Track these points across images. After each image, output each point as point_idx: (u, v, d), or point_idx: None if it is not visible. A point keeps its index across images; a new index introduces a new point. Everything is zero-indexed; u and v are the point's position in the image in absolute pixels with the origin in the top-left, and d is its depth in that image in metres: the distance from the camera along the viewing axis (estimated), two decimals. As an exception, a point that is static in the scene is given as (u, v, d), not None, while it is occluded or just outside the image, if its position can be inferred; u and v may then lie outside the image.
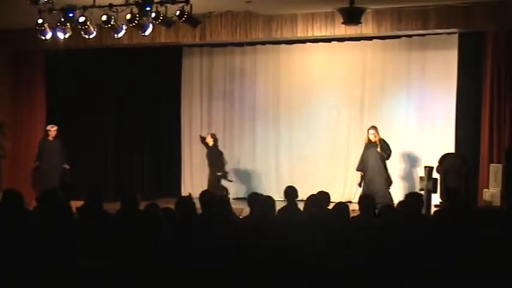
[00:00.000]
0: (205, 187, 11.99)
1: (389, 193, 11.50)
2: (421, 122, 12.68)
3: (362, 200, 7.44)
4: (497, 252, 4.64)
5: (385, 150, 11.57)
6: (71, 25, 9.94)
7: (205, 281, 4.52)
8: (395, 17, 10.99)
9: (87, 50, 12.82)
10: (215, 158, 12.59)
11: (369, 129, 11.70)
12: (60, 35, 10.14)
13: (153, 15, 9.48)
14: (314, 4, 10.78)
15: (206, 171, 12.80)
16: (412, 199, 7.26)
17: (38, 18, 9.95)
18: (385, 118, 12.56)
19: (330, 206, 7.43)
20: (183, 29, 11.36)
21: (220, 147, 12.82)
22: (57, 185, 11.72)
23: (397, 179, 12.40)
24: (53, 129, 12.50)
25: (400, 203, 7.93)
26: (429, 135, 12.48)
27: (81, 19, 9.72)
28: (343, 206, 6.82)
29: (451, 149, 11.88)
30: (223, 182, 12.64)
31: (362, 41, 12.86)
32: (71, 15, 9.80)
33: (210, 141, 12.64)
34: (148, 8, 9.46)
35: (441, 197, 10.93)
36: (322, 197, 7.58)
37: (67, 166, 12.52)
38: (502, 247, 4.75)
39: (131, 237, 5.16)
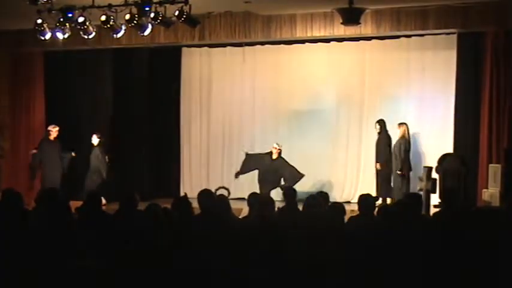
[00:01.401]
0: (203, 187, 11.90)
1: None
2: (420, 122, 12.67)
3: (362, 200, 7.44)
4: (496, 253, 4.65)
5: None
6: (70, 25, 9.94)
7: (205, 281, 4.53)
8: (394, 17, 10.98)
9: (86, 50, 12.83)
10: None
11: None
12: (59, 35, 10.15)
13: (152, 15, 9.49)
14: (313, 4, 10.78)
15: (205, 171, 12.64)
16: (411, 200, 7.26)
17: (37, 19, 9.96)
18: (384, 118, 12.54)
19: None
20: (182, 29, 11.37)
21: (220, 147, 12.74)
22: (58, 186, 11.71)
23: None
24: (54, 130, 12.44)
25: (399, 203, 7.92)
26: (428, 136, 12.48)
27: (80, 19, 9.73)
28: (337, 206, 6.83)
29: (450, 149, 11.87)
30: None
31: (361, 41, 12.86)
32: (70, 15, 9.80)
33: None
34: (147, 8, 9.47)
35: (440, 197, 10.92)
36: (322, 197, 7.58)
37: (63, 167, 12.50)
38: (501, 247, 4.76)
39: (131, 237, 5.15)
